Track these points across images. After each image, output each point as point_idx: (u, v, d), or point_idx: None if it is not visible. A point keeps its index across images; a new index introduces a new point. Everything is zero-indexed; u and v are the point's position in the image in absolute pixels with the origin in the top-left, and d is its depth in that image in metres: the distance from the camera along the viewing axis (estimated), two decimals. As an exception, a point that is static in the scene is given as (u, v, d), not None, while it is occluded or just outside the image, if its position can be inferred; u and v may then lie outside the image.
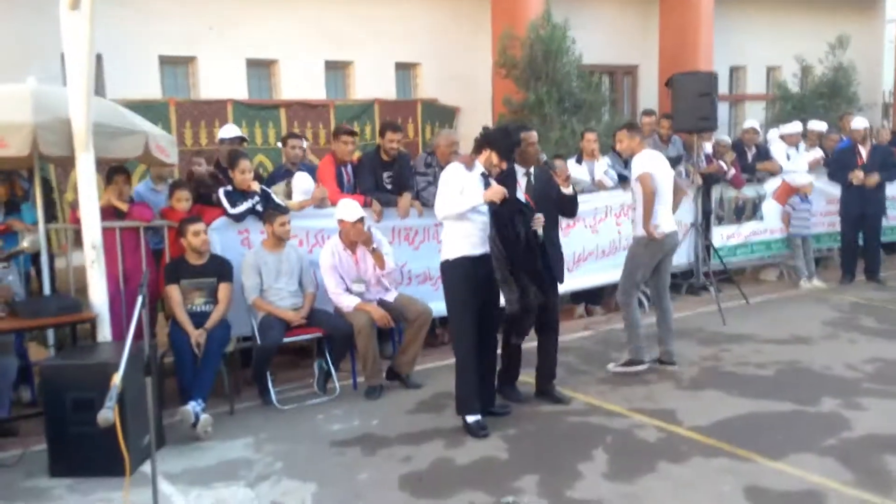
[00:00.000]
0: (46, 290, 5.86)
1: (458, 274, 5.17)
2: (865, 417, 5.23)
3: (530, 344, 5.80)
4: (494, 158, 5.20)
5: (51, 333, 5.95)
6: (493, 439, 5.03)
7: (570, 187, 5.56)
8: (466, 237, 5.16)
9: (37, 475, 4.69)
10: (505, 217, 5.06)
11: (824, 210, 10.19)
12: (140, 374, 4.78)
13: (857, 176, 9.49)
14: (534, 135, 5.54)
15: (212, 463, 4.83)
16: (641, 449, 4.84)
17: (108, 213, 5.82)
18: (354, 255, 6.15)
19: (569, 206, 5.64)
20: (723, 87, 14.17)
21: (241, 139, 7.36)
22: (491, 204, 5.04)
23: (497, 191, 5.01)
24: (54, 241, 6.63)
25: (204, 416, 5.14)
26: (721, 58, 13.50)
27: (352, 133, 6.96)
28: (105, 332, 5.36)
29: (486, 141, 5.28)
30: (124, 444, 3.46)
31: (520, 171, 5.48)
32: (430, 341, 6.89)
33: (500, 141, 5.24)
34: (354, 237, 6.04)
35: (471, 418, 5.16)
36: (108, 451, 4.38)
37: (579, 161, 8.53)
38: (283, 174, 6.99)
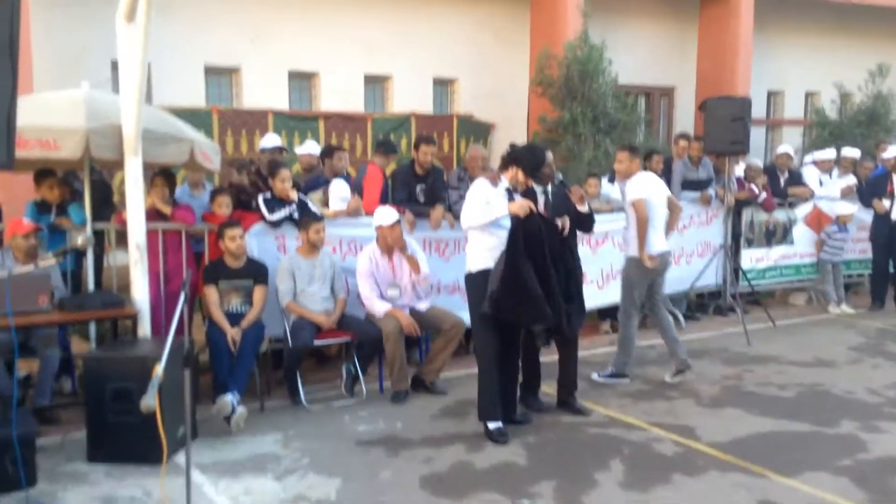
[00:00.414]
0: (91, 287, 6.14)
1: (481, 285, 5.32)
2: (883, 440, 5.29)
3: (552, 357, 5.95)
4: (521, 176, 5.38)
5: (93, 328, 6.21)
6: (512, 446, 5.18)
7: (586, 205, 5.71)
8: (489, 250, 5.31)
9: (76, 460, 4.92)
10: (531, 229, 5.20)
11: (856, 237, 10.19)
12: (178, 368, 5.07)
13: (881, 206, 9.53)
14: (549, 155, 5.73)
15: (241, 456, 5.03)
16: (658, 461, 4.95)
17: (152, 215, 6.07)
18: (391, 262, 6.36)
19: (585, 223, 5.82)
20: (760, 111, 14.26)
21: (281, 149, 7.62)
22: (514, 218, 5.18)
23: (523, 204, 5.16)
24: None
25: (240, 409, 5.36)
26: (759, 82, 13.56)
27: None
28: (145, 328, 5.59)
29: (512, 159, 5.45)
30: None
31: (537, 189, 5.65)
32: (457, 351, 7.03)
33: (528, 159, 5.41)
34: (392, 242, 6.24)
35: (492, 425, 5.31)
36: (143, 439, 4.66)
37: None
38: (322, 182, 7.21)
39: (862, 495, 4.42)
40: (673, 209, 6.83)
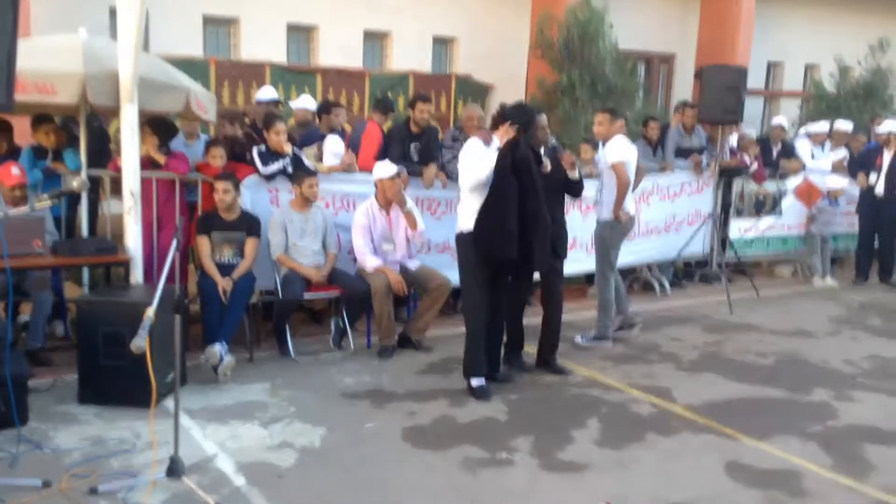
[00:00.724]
0: (85, 233, 6.21)
1: (471, 246, 5.42)
2: (853, 408, 5.45)
3: (536, 319, 6.07)
4: (512, 132, 5.42)
5: (86, 274, 6.30)
6: (494, 402, 5.32)
7: (576, 171, 5.78)
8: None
9: (67, 401, 5.04)
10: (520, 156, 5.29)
11: (845, 210, 10.29)
12: (169, 314, 5.16)
13: (863, 180, 9.70)
14: (543, 118, 5.79)
15: (229, 403, 5.16)
16: (634, 421, 5.10)
17: (146, 163, 6.12)
18: (388, 216, 6.43)
19: (574, 189, 5.92)
20: (759, 82, 14.26)
21: (277, 102, 7.64)
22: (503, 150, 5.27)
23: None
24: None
25: (227, 358, 5.47)
26: (759, 52, 13.53)
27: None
28: (137, 275, 5.68)
29: (503, 116, 5.50)
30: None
31: None
32: (444, 310, 7.14)
33: (517, 115, 5.45)
34: (391, 195, 6.30)
35: (475, 381, 5.44)
36: (133, 383, 4.77)
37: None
38: (317, 137, 7.25)
39: (828, 459, 4.58)
40: (638, 175, 7.00)
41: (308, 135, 7.28)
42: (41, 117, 6.34)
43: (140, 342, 3.39)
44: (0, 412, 4.44)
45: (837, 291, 9.43)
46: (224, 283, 5.77)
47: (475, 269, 5.41)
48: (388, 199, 6.38)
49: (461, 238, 5.52)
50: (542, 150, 5.80)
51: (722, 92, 8.24)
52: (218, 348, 5.46)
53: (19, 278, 5.79)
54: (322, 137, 7.16)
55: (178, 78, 6.06)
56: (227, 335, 5.63)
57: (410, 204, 6.51)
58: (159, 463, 4.04)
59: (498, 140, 5.46)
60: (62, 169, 6.18)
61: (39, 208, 5.31)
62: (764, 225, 9.85)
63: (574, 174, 5.82)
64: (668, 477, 4.30)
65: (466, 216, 5.48)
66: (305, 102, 7.81)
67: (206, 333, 5.74)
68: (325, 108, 7.60)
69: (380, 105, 7.43)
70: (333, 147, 6.90)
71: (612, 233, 6.69)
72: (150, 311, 3.50)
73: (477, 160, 5.35)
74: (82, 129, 6.08)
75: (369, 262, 6.34)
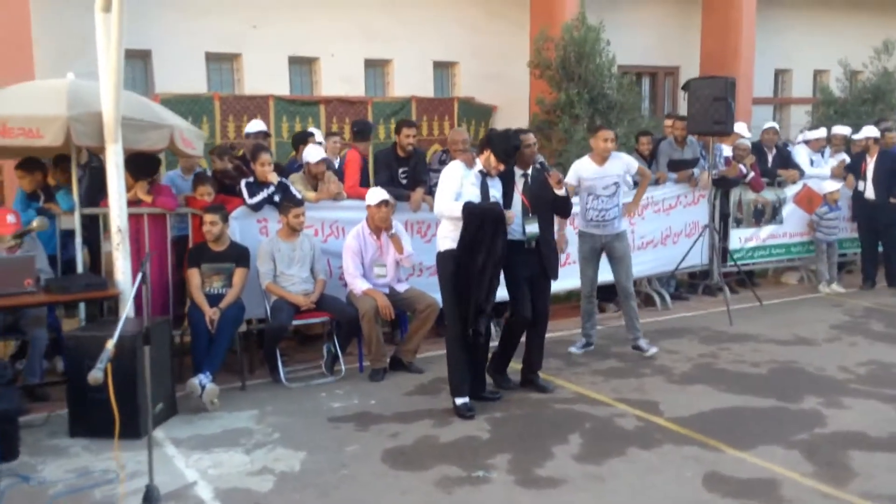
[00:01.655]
0: (79, 269, 6.35)
1: (450, 266, 5.48)
2: (842, 415, 5.40)
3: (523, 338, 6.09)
4: (493, 160, 5.51)
5: (82, 310, 6.42)
6: (478, 421, 5.34)
7: (563, 189, 5.80)
8: (458, 231, 5.45)
9: (59, 435, 5.16)
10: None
11: (847, 215, 10.21)
12: (161, 347, 5.28)
13: (850, 180, 9.79)
14: (531, 137, 5.83)
15: (216, 431, 5.23)
16: (617, 435, 5.09)
17: (135, 203, 6.24)
18: (379, 241, 6.52)
19: (562, 208, 5.92)
20: (767, 90, 14.25)
21: (266, 133, 7.78)
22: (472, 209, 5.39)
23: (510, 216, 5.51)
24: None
25: (210, 387, 5.56)
26: (766, 60, 13.54)
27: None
28: (128, 308, 5.78)
29: (486, 142, 5.59)
30: (116, 407, 3.87)
31: (517, 172, 5.77)
32: (438, 331, 7.19)
33: (499, 144, 5.53)
34: (378, 221, 6.40)
35: (459, 400, 5.48)
36: (121, 415, 4.83)
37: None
38: (295, 169, 7.36)
39: (809, 467, 4.55)
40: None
41: (287, 165, 7.41)
42: (23, 163, 6.47)
43: (97, 374, 3.47)
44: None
45: (843, 297, 9.33)
46: (210, 314, 5.86)
47: (454, 288, 5.46)
48: (376, 224, 6.46)
49: (439, 257, 5.58)
50: (529, 170, 5.87)
51: (710, 103, 8.24)
52: (198, 380, 5.55)
53: (15, 317, 5.97)
54: (299, 168, 7.25)
55: (161, 115, 6.19)
56: (211, 366, 5.72)
57: (399, 228, 6.60)
58: (139, 492, 4.12)
59: (481, 164, 5.55)
60: (55, 209, 6.33)
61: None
62: (765, 234, 9.78)
63: (561, 191, 5.84)
64: (645, 491, 4.29)
65: (445, 237, 5.56)
66: (255, 126, 7.88)
67: (194, 363, 5.84)
68: (301, 138, 7.65)
69: (358, 133, 7.50)
70: (312, 154, 6.99)
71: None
72: (110, 344, 3.59)
73: (454, 191, 5.44)
74: (73, 168, 6.23)
75: (358, 285, 6.41)
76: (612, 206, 6.81)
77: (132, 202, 6.06)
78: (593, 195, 6.79)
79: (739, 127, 10.08)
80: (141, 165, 6.31)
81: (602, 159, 6.79)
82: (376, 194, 6.46)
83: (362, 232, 6.53)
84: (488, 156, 5.52)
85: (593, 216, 6.83)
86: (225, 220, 6.23)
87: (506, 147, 5.55)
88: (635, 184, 7.56)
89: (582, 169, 6.87)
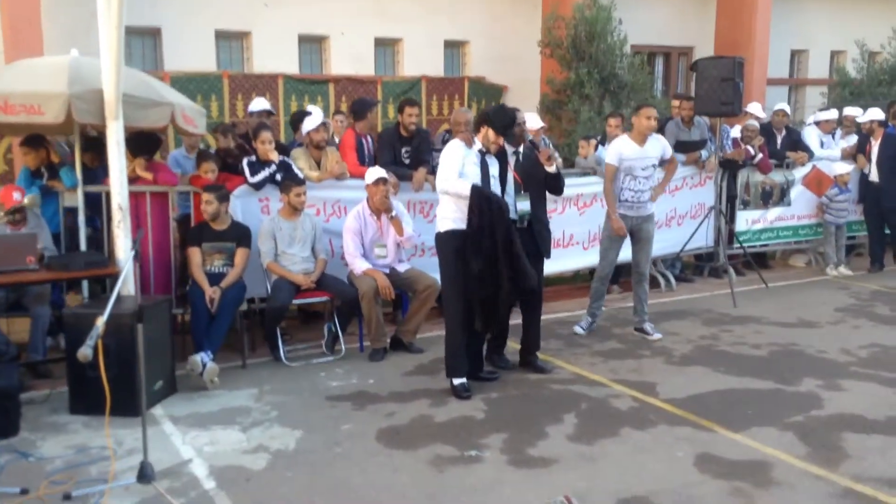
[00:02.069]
0: (83, 246, 6.39)
1: (449, 246, 5.48)
2: (840, 398, 5.38)
3: (517, 321, 6.10)
4: (491, 135, 5.48)
5: (85, 287, 6.48)
6: (474, 401, 5.36)
7: (553, 166, 5.77)
8: (459, 211, 5.44)
9: (59, 412, 5.22)
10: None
11: (856, 198, 10.11)
12: (161, 325, 5.32)
13: (861, 160, 9.75)
14: (520, 116, 5.80)
15: (214, 409, 5.28)
16: (611, 416, 5.10)
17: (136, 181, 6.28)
18: (379, 222, 6.52)
19: (553, 184, 5.89)
20: (783, 71, 14.16)
21: (269, 112, 7.77)
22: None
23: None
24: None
25: (210, 365, 5.60)
26: (781, 41, 13.43)
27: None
28: (128, 286, 5.83)
29: (483, 119, 5.56)
30: (108, 384, 3.90)
31: (509, 150, 5.75)
32: (439, 311, 7.21)
33: (496, 119, 5.51)
34: (377, 202, 6.39)
35: (456, 381, 5.50)
36: (120, 392, 4.86)
37: (603, 144, 8.67)
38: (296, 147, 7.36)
39: (803, 449, 4.54)
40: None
41: (288, 146, 7.42)
42: (26, 140, 6.52)
43: (86, 351, 3.51)
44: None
45: (851, 280, 9.27)
46: (211, 293, 5.90)
47: (454, 265, 5.46)
48: (380, 205, 6.45)
49: (439, 238, 5.58)
50: (521, 148, 5.86)
51: (717, 83, 8.16)
52: (199, 358, 5.60)
53: (18, 294, 6.03)
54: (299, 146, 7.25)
55: (162, 93, 6.20)
56: (212, 345, 5.77)
57: (400, 209, 6.60)
58: (134, 469, 4.17)
59: (479, 142, 5.53)
60: (58, 186, 6.37)
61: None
62: (772, 216, 9.72)
63: (552, 168, 5.81)
64: (636, 470, 4.30)
65: (445, 217, 5.54)
66: (259, 105, 7.84)
67: (194, 342, 5.88)
68: (299, 118, 7.54)
69: (355, 112, 7.43)
70: (310, 122, 7.02)
71: None
72: (100, 321, 3.62)
73: (457, 168, 5.42)
74: (77, 147, 6.27)
75: (358, 265, 6.43)
76: (647, 188, 6.75)
77: (131, 179, 6.08)
78: (630, 176, 6.68)
79: (753, 107, 10.05)
80: (141, 144, 6.34)
81: (643, 139, 6.68)
82: (373, 173, 6.45)
83: (362, 212, 6.53)
84: (486, 132, 5.49)
85: (628, 196, 6.71)
86: (222, 199, 6.24)
87: (504, 121, 5.52)
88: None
89: (623, 148, 6.71)
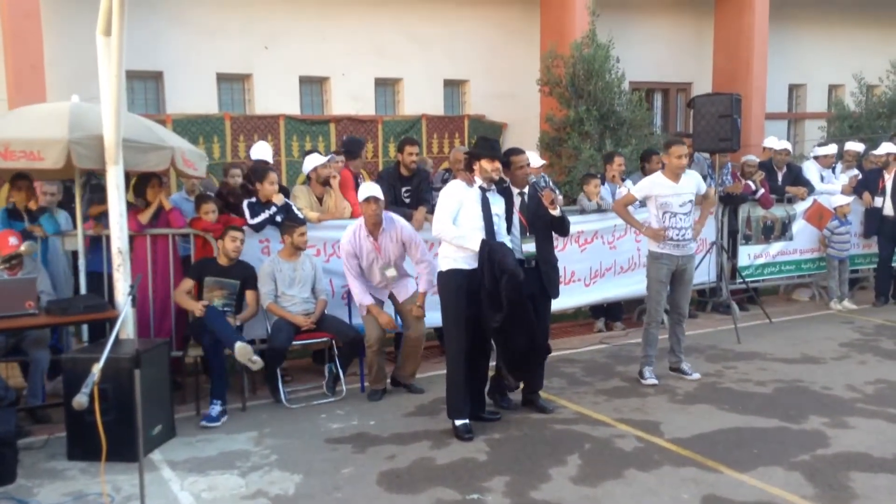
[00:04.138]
0: (83, 290, 6.38)
1: (450, 286, 5.46)
2: (847, 435, 5.31)
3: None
4: (486, 164, 5.46)
5: (85, 331, 6.45)
6: (476, 442, 5.30)
7: (557, 209, 5.73)
8: (460, 251, 5.43)
9: (57, 458, 5.17)
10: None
11: (858, 231, 10.10)
12: (158, 369, 5.29)
13: (867, 198, 9.68)
14: (523, 158, 5.78)
15: (213, 454, 5.22)
16: (616, 456, 5.03)
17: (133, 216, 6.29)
18: (376, 242, 6.36)
19: (559, 227, 5.86)
20: (781, 105, 14.22)
21: (266, 162, 7.76)
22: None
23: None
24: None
25: (240, 345, 5.77)
26: (779, 75, 13.51)
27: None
28: (128, 330, 5.81)
29: (471, 156, 5.57)
30: (104, 430, 3.84)
31: (514, 190, 5.74)
32: (440, 349, 7.17)
33: (482, 148, 5.56)
34: (368, 219, 6.24)
35: (458, 422, 5.44)
36: (118, 438, 4.82)
37: (603, 182, 8.66)
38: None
39: (810, 490, 4.46)
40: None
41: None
42: (17, 176, 6.52)
43: (81, 399, 3.47)
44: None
45: (854, 314, 9.22)
46: (196, 306, 6.03)
47: (456, 305, 5.44)
48: (372, 224, 6.27)
49: (441, 277, 5.56)
50: (525, 189, 5.84)
51: (715, 120, 8.19)
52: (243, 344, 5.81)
53: (17, 339, 6.01)
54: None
55: (162, 137, 6.23)
56: (220, 393, 5.84)
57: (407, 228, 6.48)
58: (130, 516, 4.12)
59: (479, 178, 5.52)
60: (38, 232, 6.33)
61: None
62: (774, 250, 9.69)
63: (556, 212, 5.77)
64: (641, 513, 4.24)
65: (446, 257, 5.52)
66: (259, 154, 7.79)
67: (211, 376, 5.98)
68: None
69: (347, 152, 7.45)
70: (313, 160, 7.08)
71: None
72: (96, 368, 3.59)
73: (452, 213, 5.43)
74: (77, 190, 6.30)
75: (360, 297, 6.36)
76: (689, 225, 6.68)
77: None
78: (670, 213, 6.56)
79: (769, 141, 10.06)
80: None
81: (676, 176, 6.63)
82: (364, 190, 6.28)
83: (357, 233, 6.35)
84: (480, 165, 5.48)
85: (674, 235, 6.57)
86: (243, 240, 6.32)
87: (489, 145, 5.58)
88: None
89: (657, 185, 6.63)
